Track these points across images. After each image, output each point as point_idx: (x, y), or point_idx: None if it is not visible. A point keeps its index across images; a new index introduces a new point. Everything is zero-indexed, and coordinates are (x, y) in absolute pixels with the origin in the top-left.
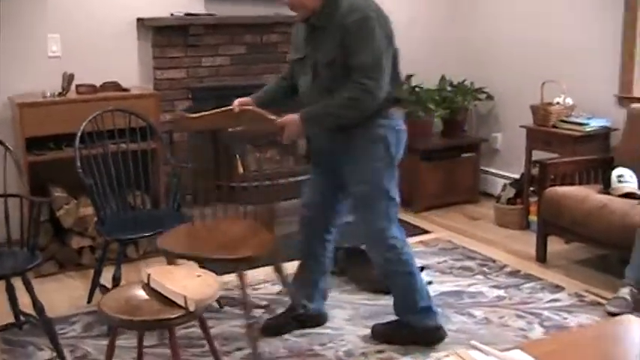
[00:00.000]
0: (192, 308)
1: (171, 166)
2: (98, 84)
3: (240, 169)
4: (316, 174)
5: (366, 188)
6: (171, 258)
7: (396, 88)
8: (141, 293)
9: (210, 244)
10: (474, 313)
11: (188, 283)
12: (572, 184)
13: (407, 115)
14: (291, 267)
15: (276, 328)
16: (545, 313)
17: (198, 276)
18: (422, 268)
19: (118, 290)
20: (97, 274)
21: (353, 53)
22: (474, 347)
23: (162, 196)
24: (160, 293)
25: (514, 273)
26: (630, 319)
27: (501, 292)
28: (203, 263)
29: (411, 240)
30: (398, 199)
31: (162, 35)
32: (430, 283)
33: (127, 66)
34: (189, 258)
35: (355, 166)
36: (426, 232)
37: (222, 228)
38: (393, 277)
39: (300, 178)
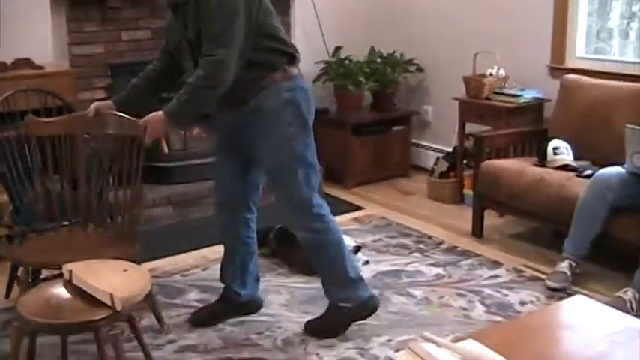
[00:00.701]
0: (119, 307)
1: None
2: (9, 61)
3: (165, 149)
4: (223, 154)
5: (282, 157)
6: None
7: (284, 44)
8: (62, 292)
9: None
10: (413, 293)
11: (114, 279)
12: (506, 157)
13: (336, 88)
14: (216, 251)
15: (208, 317)
16: (486, 290)
17: (125, 270)
18: (358, 248)
19: (38, 289)
20: (15, 267)
21: (204, 23)
22: (426, 339)
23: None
24: (84, 291)
25: (451, 249)
26: (581, 300)
27: (440, 270)
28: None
29: (344, 217)
30: (317, 166)
31: (78, 8)
32: (367, 262)
33: (39, 41)
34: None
35: (266, 137)
36: (358, 208)
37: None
38: (324, 248)
39: None
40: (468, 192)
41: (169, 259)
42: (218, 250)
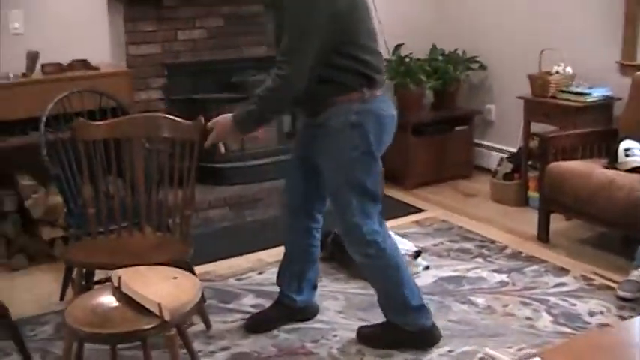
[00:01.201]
0: (167, 317)
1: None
2: (65, 62)
3: (222, 150)
4: (296, 157)
5: (339, 180)
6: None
7: (366, 66)
8: (111, 299)
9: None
10: (475, 301)
11: (163, 287)
12: (573, 158)
13: (396, 87)
14: (272, 254)
15: (263, 323)
16: (552, 299)
17: (175, 278)
18: (418, 253)
19: (86, 296)
20: (70, 269)
21: (283, 33)
22: (488, 356)
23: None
24: (132, 299)
25: (515, 255)
26: None
27: (504, 277)
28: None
29: (404, 220)
30: (377, 194)
31: (135, 7)
32: (427, 268)
33: (96, 42)
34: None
35: (328, 155)
36: (419, 210)
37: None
38: (376, 274)
39: (283, 157)
40: (533, 194)
41: (224, 262)
42: (275, 253)
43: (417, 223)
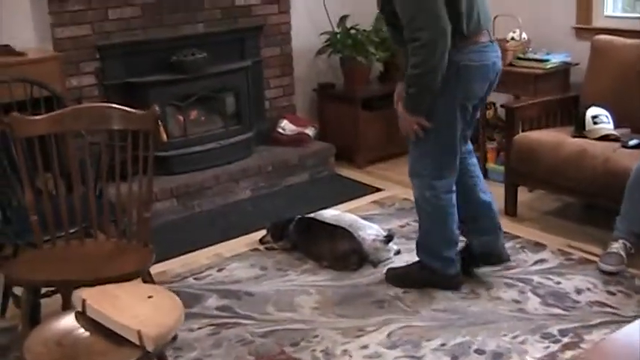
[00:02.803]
0: (150, 347)
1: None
2: None
3: (164, 136)
4: None
5: (429, 121)
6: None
7: (460, 24)
8: (76, 328)
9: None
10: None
11: (139, 309)
12: (537, 128)
13: (343, 60)
14: (230, 248)
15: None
16: (535, 278)
17: (150, 297)
18: (389, 237)
19: (45, 326)
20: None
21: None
22: None
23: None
24: (102, 325)
25: None
26: None
27: None
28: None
29: (362, 201)
30: (452, 146)
31: None
32: (398, 252)
33: (18, 25)
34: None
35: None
36: (376, 189)
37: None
38: (425, 218)
39: (231, 140)
40: (493, 166)
41: (179, 259)
42: (232, 247)
43: (376, 203)
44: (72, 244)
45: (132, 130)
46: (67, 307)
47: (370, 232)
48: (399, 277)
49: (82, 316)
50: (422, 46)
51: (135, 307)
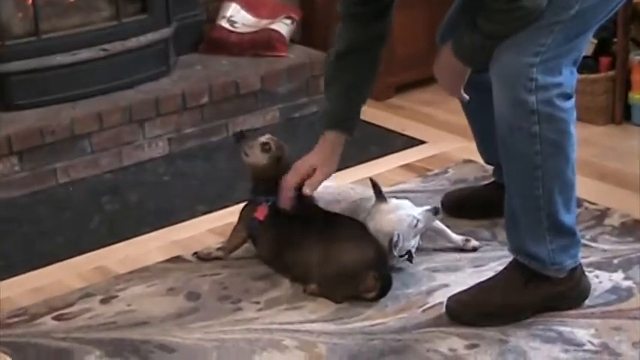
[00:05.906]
0: None
1: None
2: None
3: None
4: None
5: None
6: None
7: None
8: None
9: None
10: None
11: None
12: None
13: None
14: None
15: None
16: None
17: None
18: (436, 211)
19: None
20: None
21: None
22: None
23: None
24: None
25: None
26: None
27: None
28: None
29: (383, 164)
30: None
31: None
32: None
33: None
34: None
35: None
36: (410, 141)
37: None
38: (519, 154)
39: (130, 43)
40: None
41: (26, 277)
42: (133, 255)
43: (409, 168)
44: None
45: None
46: None
47: (401, 213)
48: (476, 304)
49: None
50: (523, 7)
51: None
